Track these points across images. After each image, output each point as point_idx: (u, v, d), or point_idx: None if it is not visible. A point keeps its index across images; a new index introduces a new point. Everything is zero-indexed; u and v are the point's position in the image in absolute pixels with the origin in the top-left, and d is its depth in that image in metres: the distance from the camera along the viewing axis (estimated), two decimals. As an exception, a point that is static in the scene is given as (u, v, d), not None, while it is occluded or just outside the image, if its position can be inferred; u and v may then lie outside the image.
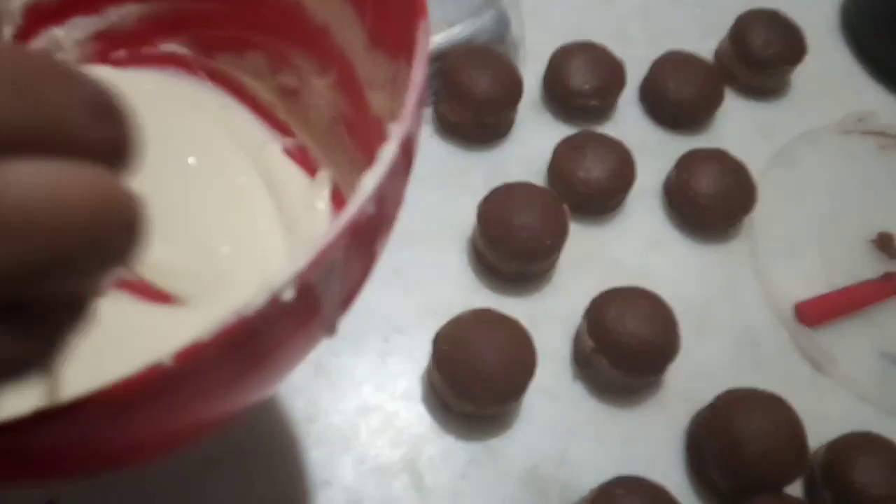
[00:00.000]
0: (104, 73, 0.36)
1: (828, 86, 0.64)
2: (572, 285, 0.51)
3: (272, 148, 0.38)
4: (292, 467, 0.44)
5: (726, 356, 0.51)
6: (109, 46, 0.38)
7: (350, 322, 0.49)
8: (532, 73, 0.59)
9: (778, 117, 0.62)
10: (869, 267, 0.55)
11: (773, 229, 0.56)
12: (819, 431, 0.46)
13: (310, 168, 0.38)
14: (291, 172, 0.38)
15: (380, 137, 0.34)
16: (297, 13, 0.36)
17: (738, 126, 0.61)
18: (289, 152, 0.38)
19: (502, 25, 0.58)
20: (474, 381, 0.43)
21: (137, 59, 0.39)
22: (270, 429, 0.45)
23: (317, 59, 0.38)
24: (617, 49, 0.59)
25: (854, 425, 0.47)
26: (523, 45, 0.60)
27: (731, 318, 0.53)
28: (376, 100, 0.36)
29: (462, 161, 0.56)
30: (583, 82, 0.57)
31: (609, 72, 0.58)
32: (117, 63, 0.39)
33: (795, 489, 0.46)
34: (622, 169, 0.54)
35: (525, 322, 0.46)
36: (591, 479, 0.44)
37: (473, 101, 0.54)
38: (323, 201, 0.37)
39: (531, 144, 0.57)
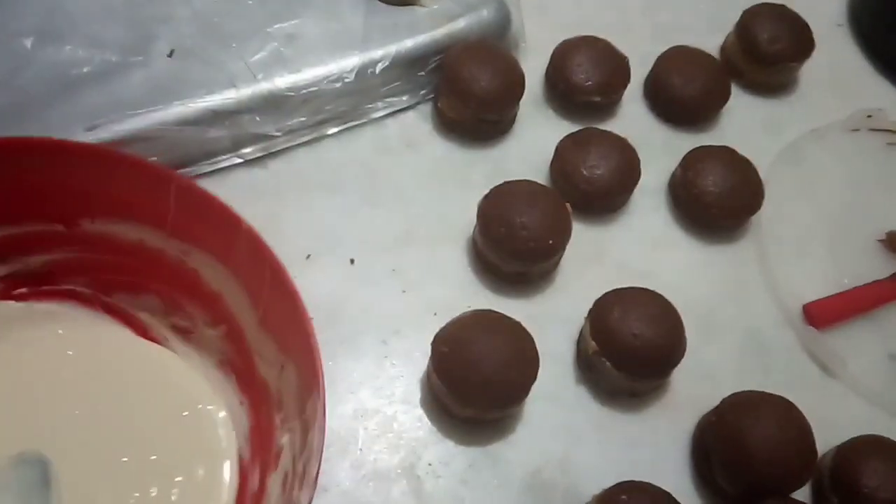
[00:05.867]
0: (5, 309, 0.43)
1: (836, 82, 0.64)
2: (575, 286, 0.51)
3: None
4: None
5: (733, 358, 0.50)
6: (13, 286, 0.43)
7: (347, 324, 0.48)
8: (534, 69, 0.58)
9: (785, 114, 0.61)
10: (878, 267, 0.55)
11: (781, 228, 0.55)
12: (827, 435, 0.45)
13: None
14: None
15: (267, 397, 0.39)
16: (193, 276, 0.42)
17: (744, 123, 0.60)
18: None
19: (503, 20, 0.57)
20: (474, 384, 0.43)
21: (37, 295, 0.44)
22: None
23: (209, 313, 0.42)
24: (621, 44, 0.58)
25: (863, 428, 0.47)
26: (524, 39, 0.59)
27: (738, 320, 0.52)
28: (264, 368, 0.40)
29: (462, 158, 0.55)
30: (586, 78, 0.56)
31: (613, 67, 0.57)
32: (19, 298, 0.44)
33: (803, 494, 0.45)
34: (626, 167, 0.53)
35: (526, 323, 0.45)
36: (595, 484, 0.43)
37: (474, 98, 0.53)
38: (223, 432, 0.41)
39: (533, 141, 0.56)
